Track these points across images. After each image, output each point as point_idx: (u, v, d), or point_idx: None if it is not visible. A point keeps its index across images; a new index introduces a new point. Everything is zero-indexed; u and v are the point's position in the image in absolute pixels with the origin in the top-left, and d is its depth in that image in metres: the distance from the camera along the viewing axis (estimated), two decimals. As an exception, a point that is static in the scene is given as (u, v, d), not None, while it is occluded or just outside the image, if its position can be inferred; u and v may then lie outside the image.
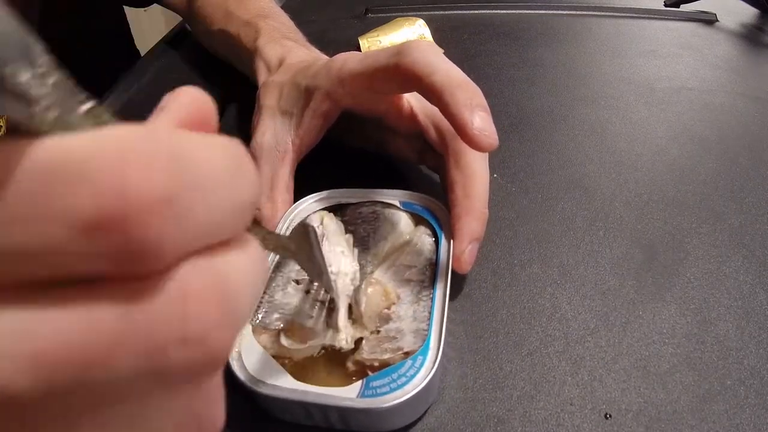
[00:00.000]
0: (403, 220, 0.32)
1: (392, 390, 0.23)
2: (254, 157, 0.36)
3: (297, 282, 0.29)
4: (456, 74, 0.28)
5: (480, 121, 0.27)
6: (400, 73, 0.29)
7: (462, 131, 0.27)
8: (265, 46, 0.43)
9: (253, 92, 0.41)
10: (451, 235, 0.30)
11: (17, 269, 0.10)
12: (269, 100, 0.37)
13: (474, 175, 0.30)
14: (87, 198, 0.09)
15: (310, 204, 0.34)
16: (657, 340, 0.29)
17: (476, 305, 0.31)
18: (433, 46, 0.29)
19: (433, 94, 0.28)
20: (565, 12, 0.69)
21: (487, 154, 0.32)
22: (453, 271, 0.29)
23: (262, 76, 0.41)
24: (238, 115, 0.49)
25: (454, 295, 0.31)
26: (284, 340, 0.26)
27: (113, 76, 0.55)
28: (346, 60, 0.33)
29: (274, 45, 0.43)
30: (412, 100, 0.34)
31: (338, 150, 0.39)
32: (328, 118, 0.35)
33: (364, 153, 0.40)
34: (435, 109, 0.33)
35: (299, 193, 0.35)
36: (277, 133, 0.36)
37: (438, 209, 0.32)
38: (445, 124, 0.32)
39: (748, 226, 0.35)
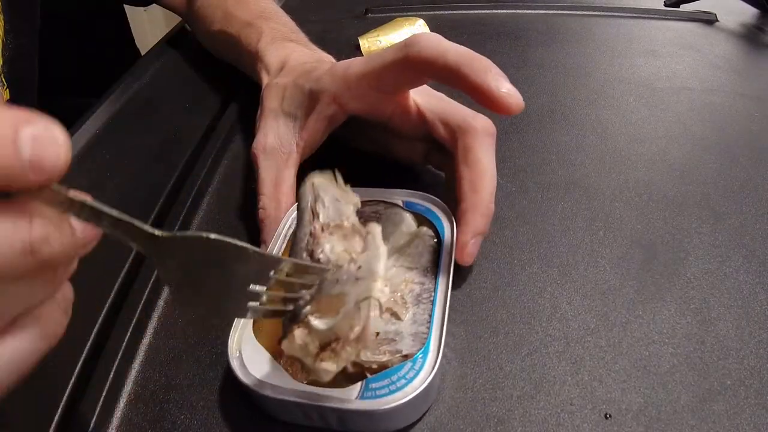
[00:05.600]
0: (406, 221, 0.32)
1: (392, 392, 0.23)
2: (257, 158, 0.36)
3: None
4: (466, 50, 0.29)
5: (505, 83, 0.27)
6: (410, 65, 0.29)
7: (489, 96, 0.27)
8: (267, 48, 0.43)
9: (254, 92, 0.41)
10: (455, 231, 0.30)
11: None
12: (272, 102, 0.37)
13: (482, 171, 0.31)
14: None
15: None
16: (657, 340, 0.29)
17: (476, 305, 0.31)
18: (435, 34, 0.29)
19: (449, 72, 0.28)
20: (565, 12, 0.69)
21: (494, 150, 0.32)
22: (453, 273, 0.29)
23: (264, 78, 0.41)
24: (238, 115, 0.49)
25: (454, 296, 0.31)
26: (316, 322, 0.23)
27: (113, 76, 0.55)
28: (351, 63, 0.33)
29: (276, 47, 0.43)
30: (418, 98, 0.34)
31: (341, 149, 0.39)
32: (333, 122, 0.35)
33: (367, 152, 0.40)
34: (442, 106, 0.33)
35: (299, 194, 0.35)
36: (281, 136, 0.36)
37: (441, 209, 0.32)
38: (453, 119, 0.32)
39: (748, 226, 0.35)
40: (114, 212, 0.17)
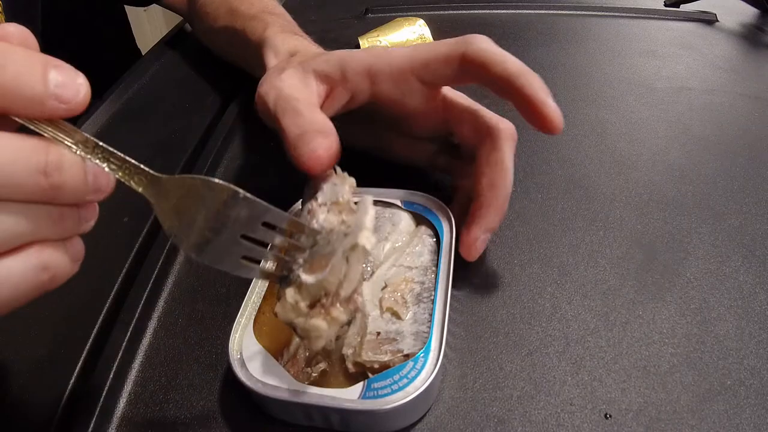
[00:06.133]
0: (404, 220, 0.32)
1: (394, 392, 0.23)
2: (269, 101, 0.31)
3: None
4: (523, 64, 0.30)
5: (554, 103, 0.29)
6: (466, 63, 0.30)
7: (540, 111, 0.29)
8: (275, 36, 0.42)
9: (254, 92, 0.41)
10: (465, 227, 0.31)
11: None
12: (294, 60, 0.34)
13: (503, 170, 0.31)
14: None
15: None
16: (657, 340, 0.29)
17: (476, 305, 0.31)
18: (487, 37, 0.30)
19: (503, 80, 0.29)
20: (565, 12, 0.69)
21: (514, 154, 0.32)
22: (453, 273, 0.29)
23: (271, 62, 0.39)
24: (238, 115, 0.49)
25: (454, 295, 0.31)
26: (306, 277, 0.22)
27: (113, 76, 0.55)
28: (395, 48, 0.32)
29: (284, 37, 0.41)
30: (449, 94, 0.34)
31: (341, 149, 0.39)
32: (356, 98, 0.33)
33: (367, 152, 0.40)
34: (472, 107, 0.33)
35: (300, 193, 0.35)
36: (301, 81, 0.32)
37: (440, 209, 0.32)
38: (483, 120, 0.32)
39: (748, 226, 0.35)
40: (121, 154, 0.20)
